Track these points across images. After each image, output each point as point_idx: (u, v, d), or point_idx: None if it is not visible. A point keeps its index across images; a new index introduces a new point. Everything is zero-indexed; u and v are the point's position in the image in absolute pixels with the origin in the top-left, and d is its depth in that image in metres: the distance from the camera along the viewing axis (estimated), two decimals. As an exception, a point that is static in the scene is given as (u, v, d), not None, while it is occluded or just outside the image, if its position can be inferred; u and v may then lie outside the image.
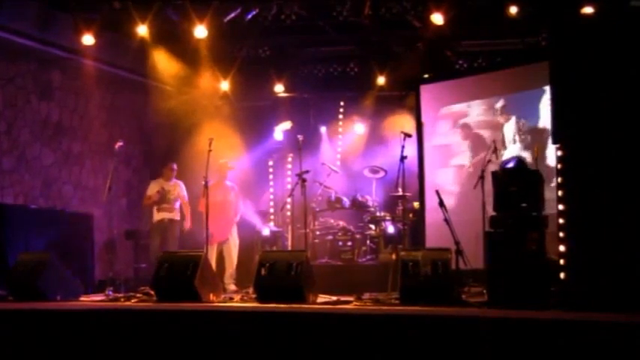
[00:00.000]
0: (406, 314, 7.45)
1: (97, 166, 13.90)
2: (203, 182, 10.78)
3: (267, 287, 8.63)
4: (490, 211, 8.64)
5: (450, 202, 11.19)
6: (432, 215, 12.00)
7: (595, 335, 6.22)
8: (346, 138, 15.83)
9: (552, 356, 6.28)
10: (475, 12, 12.08)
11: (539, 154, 10.78)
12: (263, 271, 8.66)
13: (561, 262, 7.78)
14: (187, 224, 12.83)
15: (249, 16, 12.77)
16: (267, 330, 7.43)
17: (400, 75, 14.04)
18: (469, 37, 13.53)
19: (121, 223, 14.26)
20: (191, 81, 14.28)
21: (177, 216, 12.74)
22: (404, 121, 14.14)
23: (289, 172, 15.74)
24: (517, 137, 12.27)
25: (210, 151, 10.68)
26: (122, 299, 9.46)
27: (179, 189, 12.80)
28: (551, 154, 10.39)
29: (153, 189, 12.62)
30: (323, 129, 15.77)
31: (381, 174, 13.88)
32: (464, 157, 12.99)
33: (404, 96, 14.74)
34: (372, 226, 13.27)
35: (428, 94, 13.55)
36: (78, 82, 13.51)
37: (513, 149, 12.14)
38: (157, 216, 12.60)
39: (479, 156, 12.42)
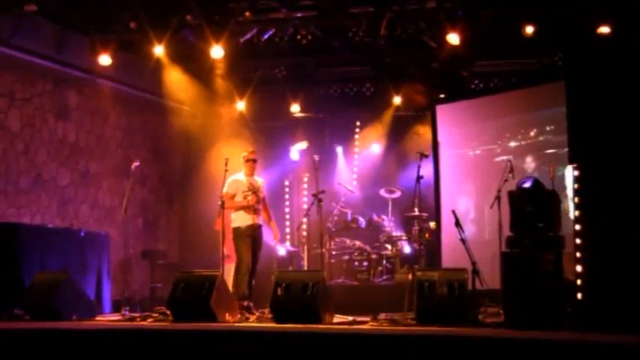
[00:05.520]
0: (422, 335, 7.41)
1: (113, 186, 13.93)
2: (219, 202, 10.76)
3: (284, 307, 8.61)
4: (507, 232, 8.60)
5: (466, 221, 11.16)
6: (449, 235, 11.97)
7: (611, 357, 6.17)
8: (362, 158, 15.85)
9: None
10: (491, 32, 12.06)
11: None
12: (279, 291, 8.65)
13: (578, 282, 7.73)
14: (277, 235, 11.24)
15: (265, 37, 12.85)
16: (283, 350, 7.42)
17: (416, 95, 14.07)
18: (485, 57, 13.53)
19: (137, 242, 14.28)
20: (207, 101, 14.33)
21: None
22: (420, 141, 14.14)
23: (305, 192, 15.80)
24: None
25: (226, 171, 10.65)
26: (138, 319, 9.44)
27: (263, 186, 11.13)
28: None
29: (233, 186, 10.72)
30: (339, 149, 15.81)
31: (397, 194, 13.89)
32: (481, 177, 12.96)
33: (420, 116, 14.75)
34: (388, 246, 13.26)
35: (444, 114, 13.55)
36: (94, 103, 13.57)
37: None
38: (246, 219, 10.66)
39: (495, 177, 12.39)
